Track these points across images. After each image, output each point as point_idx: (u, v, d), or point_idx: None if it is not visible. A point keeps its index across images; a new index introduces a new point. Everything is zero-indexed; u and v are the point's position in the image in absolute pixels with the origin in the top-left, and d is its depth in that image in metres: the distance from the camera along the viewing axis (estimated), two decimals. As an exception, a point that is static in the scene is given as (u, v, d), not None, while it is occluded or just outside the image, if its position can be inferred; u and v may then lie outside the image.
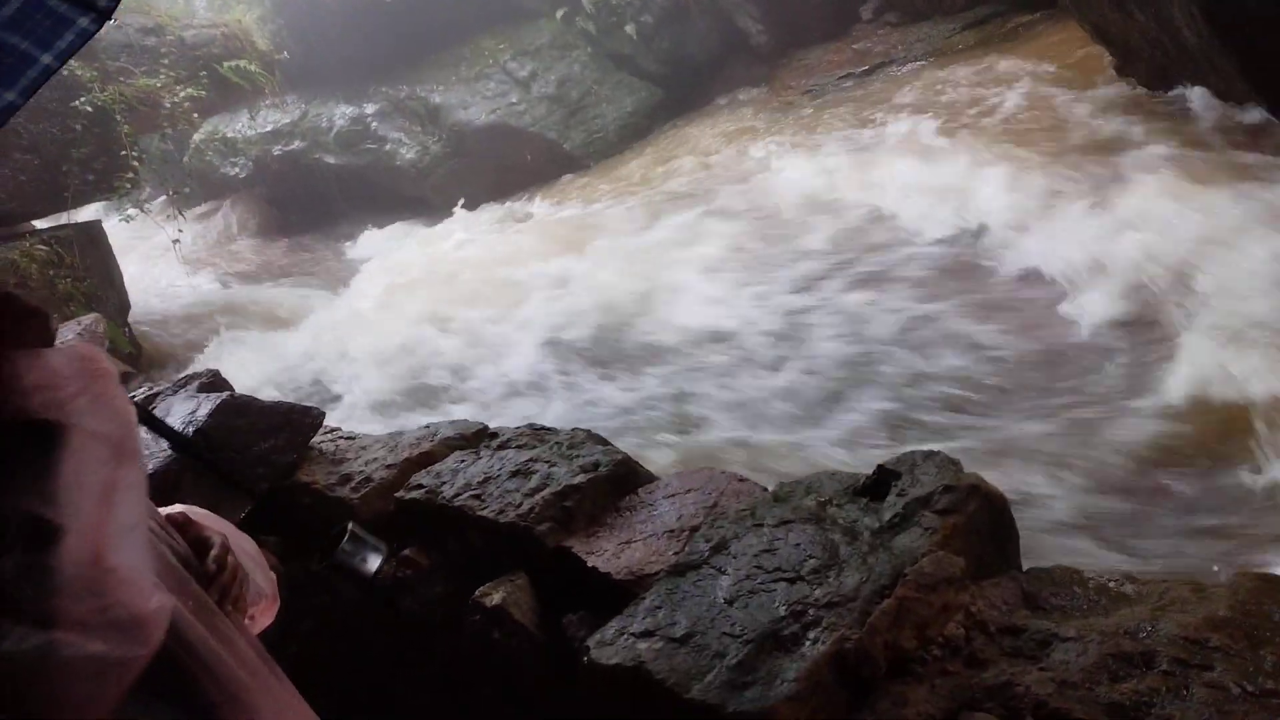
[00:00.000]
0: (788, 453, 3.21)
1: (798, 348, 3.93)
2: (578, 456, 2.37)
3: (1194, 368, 2.95)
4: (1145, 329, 3.36)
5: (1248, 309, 3.10)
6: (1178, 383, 2.95)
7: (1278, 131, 4.04)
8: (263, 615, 1.19)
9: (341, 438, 2.83)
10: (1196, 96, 4.62)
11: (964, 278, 4.10)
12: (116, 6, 1.01)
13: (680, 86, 8.45)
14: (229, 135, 9.10)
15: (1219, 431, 2.72)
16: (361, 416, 3.95)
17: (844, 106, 6.56)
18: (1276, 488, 2.45)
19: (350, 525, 1.77)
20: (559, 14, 9.16)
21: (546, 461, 2.34)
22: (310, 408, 2.58)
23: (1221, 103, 4.48)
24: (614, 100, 8.40)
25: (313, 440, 2.82)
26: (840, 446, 3.20)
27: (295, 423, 2.54)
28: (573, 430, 2.46)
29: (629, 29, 8.73)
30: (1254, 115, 4.25)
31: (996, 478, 1.84)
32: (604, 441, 2.44)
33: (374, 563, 1.63)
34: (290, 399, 3.12)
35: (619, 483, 2.27)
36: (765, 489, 2.11)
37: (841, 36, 7.97)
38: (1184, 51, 4.66)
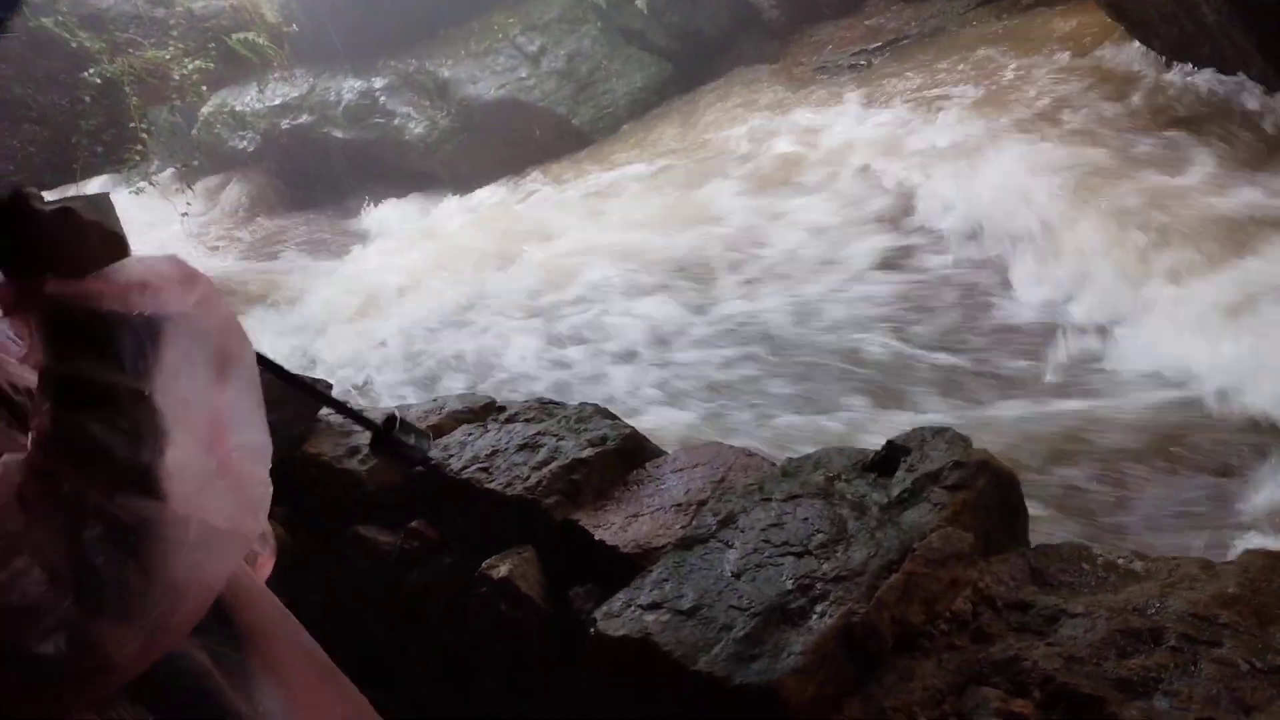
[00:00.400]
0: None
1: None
2: (585, 431, 2.37)
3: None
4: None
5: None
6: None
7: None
8: (259, 569, 1.20)
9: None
10: (1210, 74, 4.56)
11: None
12: None
13: (691, 62, 8.38)
14: (237, 108, 9.08)
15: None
16: (371, 389, 3.96)
17: (854, 83, 6.51)
18: None
19: (397, 410, 1.79)
20: (570, -13, 9.11)
21: (554, 435, 2.34)
22: (318, 379, 2.58)
23: (1236, 79, 4.42)
24: (624, 75, 8.35)
25: (320, 413, 2.83)
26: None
27: (301, 393, 2.53)
28: (580, 405, 2.46)
29: (639, 3, 8.67)
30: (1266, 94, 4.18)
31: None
32: (612, 416, 2.44)
33: (425, 445, 1.69)
34: (295, 371, 3.12)
35: (627, 457, 2.27)
36: (773, 464, 2.11)
37: (854, 12, 7.90)
38: (1202, 28, 4.60)
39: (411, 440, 1.80)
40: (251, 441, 0.91)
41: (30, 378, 0.92)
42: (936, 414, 3.15)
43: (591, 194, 6.13)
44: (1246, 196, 3.61)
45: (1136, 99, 4.65)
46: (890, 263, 4.21)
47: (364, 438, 2.65)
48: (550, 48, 8.59)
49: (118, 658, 0.78)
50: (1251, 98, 4.19)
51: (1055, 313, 3.62)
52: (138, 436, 0.80)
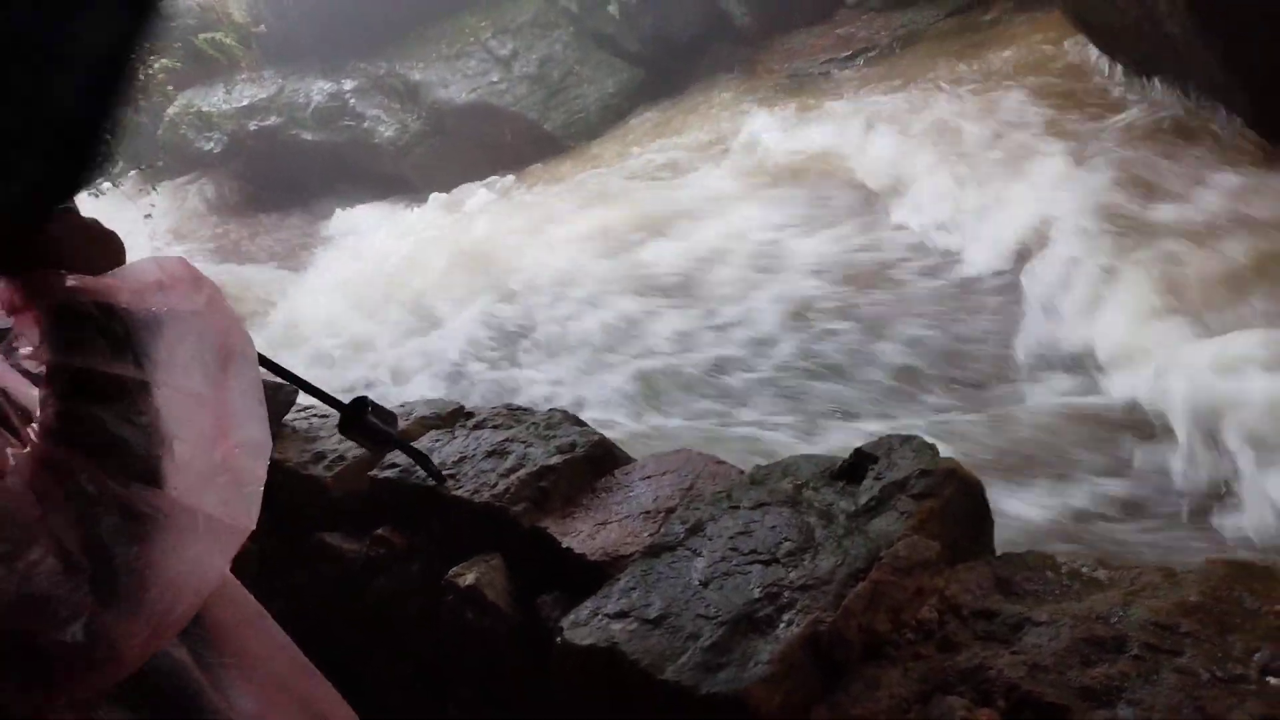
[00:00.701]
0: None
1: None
2: (554, 437, 2.35)
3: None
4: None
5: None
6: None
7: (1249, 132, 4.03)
8: None
9: (315, 415, 2.81)
10: (1172, 88, 4.63)
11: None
12: None
13: (662, 68, 8.40)
14: (204, 109, 8.97)
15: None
16: (339, 393, 3.93)
17: (824, 90, 6.56)
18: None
19: (368, 396, 1.80)
20: (544, -9, 9.10)
21: (523, 442, 2.32)
22: (281, 384, 2.55)
23: (1198, 94, 4.49)
24: (596, 81, 8.35)
25: (285, 418, 2.79)
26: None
27: (267, 400, 2.51)
28: (550, 411, 2.45)
29: (611, 8, 8.67)
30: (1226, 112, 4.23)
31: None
32: (581, 423, 2.43)
33: (393, 427, 1.72)
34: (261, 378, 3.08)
35: (595, 464, 2.26)
36: (742, 471, 2.11)
37: (825, 21, 7.95)
38: (1167, 41, 4.67)
39: (379, 422, 1.82)
40: (253, 438, 0.94)
41: (6, 379, 0.93)
42: (906, 419, 3.17)
43: (561, 200, 6.15)
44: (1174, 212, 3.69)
45: (1094, 111, 4.73)
46: (874, 272, 4.25)
47: (330, 444, 2.63)
48: (522, 52, 8.58)
49: (124, 650, 0.78)
50: (1212, 114, 4.26)
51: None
52: (149, 429, 0.82)
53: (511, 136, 7.98)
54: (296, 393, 2.64)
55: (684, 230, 4.97)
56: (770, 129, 6.01)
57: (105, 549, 0.77)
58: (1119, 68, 5.06)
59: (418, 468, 2.31)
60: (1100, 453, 2.80)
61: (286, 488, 2.56)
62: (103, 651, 0.76)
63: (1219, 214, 3.68)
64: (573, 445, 2.31)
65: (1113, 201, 3.88)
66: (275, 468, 2.57)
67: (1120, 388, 3.03)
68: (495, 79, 8.35)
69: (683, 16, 8.59)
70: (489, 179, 7.39)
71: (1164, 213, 3.79)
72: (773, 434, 3.24)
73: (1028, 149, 4.60)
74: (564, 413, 2.46)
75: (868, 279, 4.15)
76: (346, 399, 1.81)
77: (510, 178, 7.35)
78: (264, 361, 1.36)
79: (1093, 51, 5.31)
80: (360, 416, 1.68)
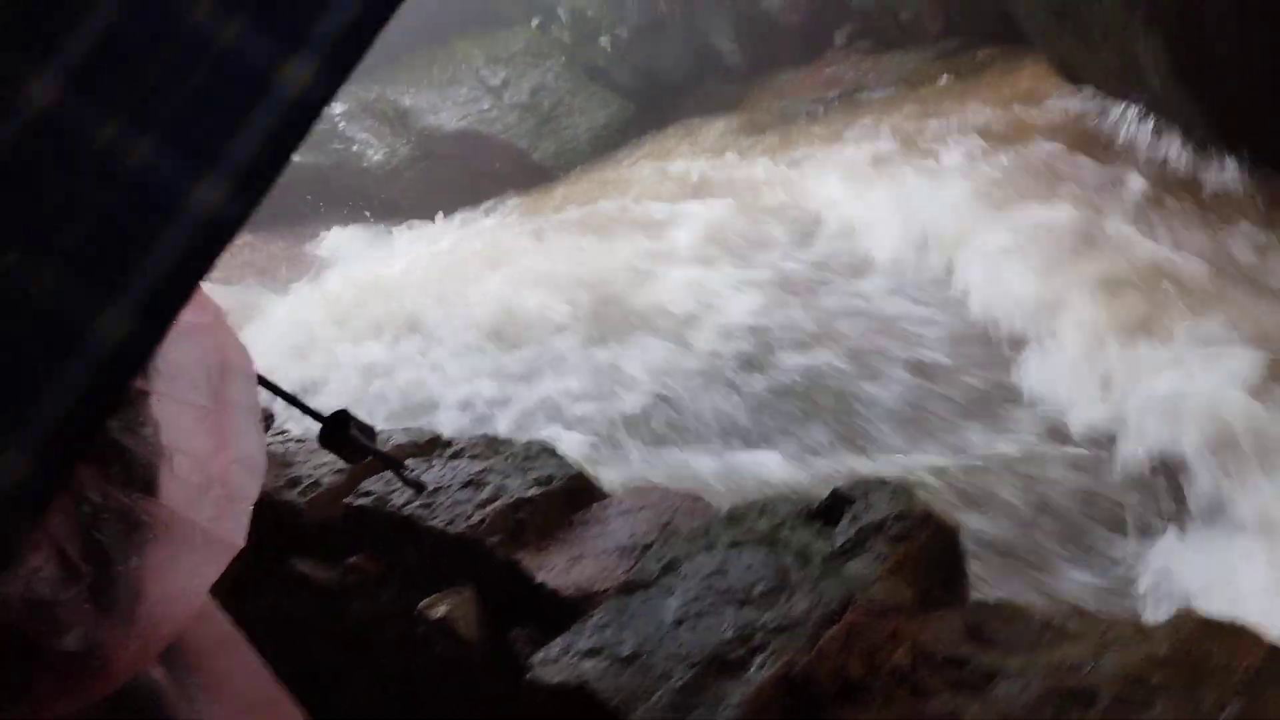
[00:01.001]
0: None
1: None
2: (532, 469, 2.35)
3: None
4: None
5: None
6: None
7: (1239, 182, 4.08)
8: None
9: (292, 440, 2.79)
10: (1152, 136, 4.71)
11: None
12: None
13: (653, 101, 8.47)
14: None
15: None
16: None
17: (812, 129, 6.64)
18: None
19: (348, 410, 1.80)
20: (534, 22, 9.16)
21: (500, 473, 2.32)
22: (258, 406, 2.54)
23: (1178, 142, 4.56)
24: (586, 111, 8.40)
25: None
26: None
27: (244, 424, 2.49)
28: (528, 442, 2.45)
29: (604, 41, 8.74)
30: (1215, 163, 4.29)
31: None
32: (559, 455, 2.43)
33: (372, 439, 1.71)
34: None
35: (572, 497, 2.25)
36: (719, 509, 2.11)
37: (815, 61, 8.04)
38: (1148, 90, 4.76)
39: (360, 435, 1.82)
40: (249, 455, 0.92)
41: None
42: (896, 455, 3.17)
43: (551, 229, 6.18)
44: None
45: (1078, 158, 4.81)
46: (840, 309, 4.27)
47: (305, 469, 2.61)
48: (514, 80, 8.63)
49: (114, 663, 0.76)
50: (1192, 164, 4.33)
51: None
52: (150, 439, 0.81)
53: (500, 164, 8.01)
54: (273, 417, 2.63)
55: (659, 262, 5.03)
56: (754, 165, 6.09)
57: (106, 557, 0.76)
58: (1108, 116, 5.15)
59: (393, 495, 2.30)
60: (1069, 493, 2.82)
61: (259, 512, 2.54)
62: (95, 663, 0.75)
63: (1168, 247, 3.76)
64: (550, 478, 2.31)
65: (1086, 243, 3.94)
66: (249, 492, 2.56)
67: (1085, 423, 3.05)
68: (486, 106, 8.39)
69: (674, 52, 8.68)
70: (478, 205, 7.41)
71: (1127, 243, 3.86)
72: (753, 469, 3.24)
73: (999, 187, 4.69)
74: (543, 445, 2.45)
75: (832, 321, 4.16)
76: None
77: (496, 205, 7.38)
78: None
79: (1081, 100, 5.41)
80: (342, 430, 1.68)
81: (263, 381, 1.45)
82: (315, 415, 1.69)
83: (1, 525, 0.58)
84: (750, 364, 3.94)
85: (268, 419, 2.65)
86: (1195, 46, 4.10)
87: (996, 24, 6.50)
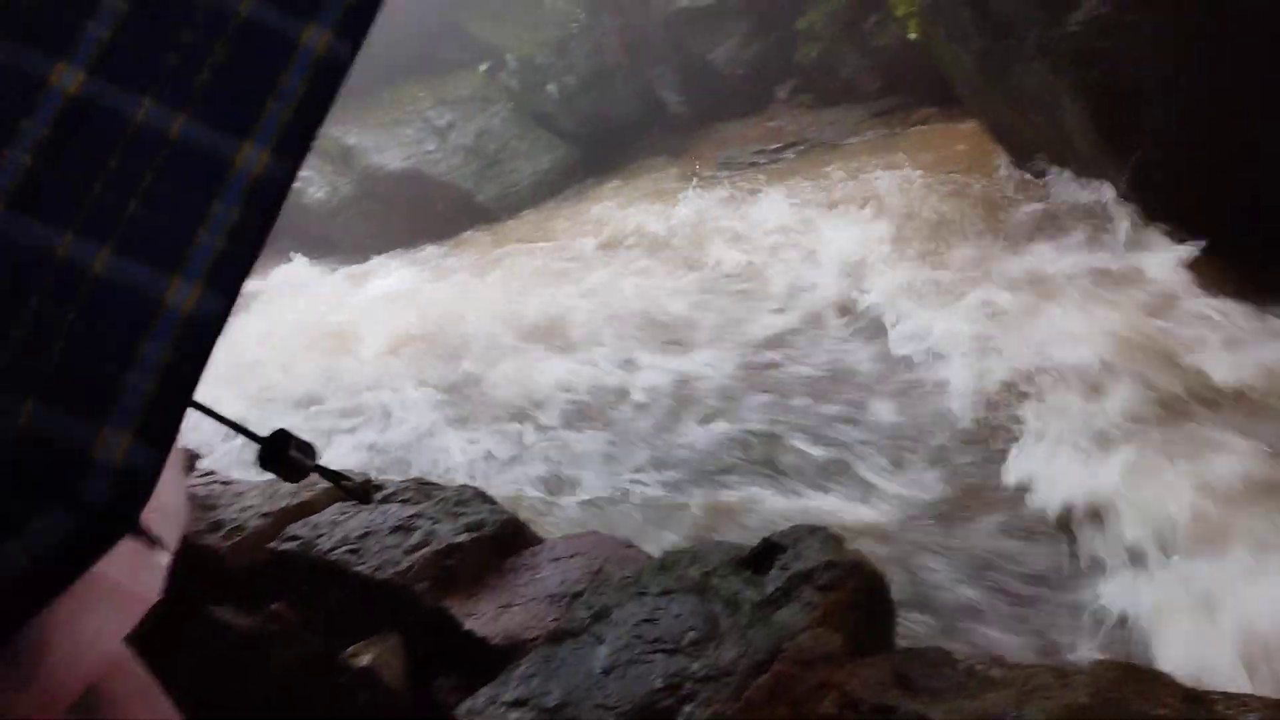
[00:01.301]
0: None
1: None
2: (463, 514, 2.32)
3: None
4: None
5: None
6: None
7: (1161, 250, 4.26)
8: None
9: (216, 482, 2.71)
10: (1080, 195, 4.88)
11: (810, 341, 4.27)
12: None
13: (598, 148, 8.56)
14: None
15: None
16: (241, 458, 3.81)
17: (752, 179, 6.78)
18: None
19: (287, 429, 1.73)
20: (483, 68, 9.23)
21: (430, 518, 2.28)
22: (180, 448, 2.47)
23: (1104, 204, 4.72)
24: (531, 156, 8.45)
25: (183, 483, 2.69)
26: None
27: (166, 464, 2.42)
28: (460, 487, 2.42)
29: (551, 88, 8.85)
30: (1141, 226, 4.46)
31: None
32: (491, 500, 2.40)
33: (311, 459, 1.65)
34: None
35: (504, 543, 2.22)
36: (651, 556, 2.10)
37: (758, 113, 8.23)
38: (1077, 156, 4.93)
39: (300, 455, 1.77)
40: (165, 503, 0.87)
41: None
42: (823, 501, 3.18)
43: (486, 270, 6.23)
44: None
45: (1000, 214, 5.01)
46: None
47: (229, 512, 2.54)
48: (460, 124, 8.65)
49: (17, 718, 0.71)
50: (1117, 225, 4.49)
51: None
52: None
53: (443, 206, 7.99)
54: (196, 457, 2.56)
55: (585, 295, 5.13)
56: (693, 214, 6.22)
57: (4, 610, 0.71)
58: (1034, 177, 5.34)
59: (320, 539, 2.24)
60: (998, 540, 2.86)
61: (180, 557, 2.46)
62: None
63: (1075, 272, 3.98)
64: (482, 523, 2.28)
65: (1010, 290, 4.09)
66: (169, 535, 2.48)
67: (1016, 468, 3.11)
68: (431, 148, 8.39)
69: (620, 101, 8.81)
70: (417, 246, 7.38)
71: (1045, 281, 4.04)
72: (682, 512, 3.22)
73: (932, 236, 4.85)
74: (475, 490, 2.42)
75: (776, 357, 4.25)
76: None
77: (437, 247, 7.36)
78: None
79: (1008, 161, 5.60)
80: (281, 449, 1.63)
81: (197, 406, 1.41)
82: (252, 436, 1.63)
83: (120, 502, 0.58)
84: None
85: (191, 460, 2.58)
86: (1117, 115, 4.28)
87: (932, 86, 6.71)
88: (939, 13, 5.49)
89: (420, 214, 7.87)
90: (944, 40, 5.63)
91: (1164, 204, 4.23)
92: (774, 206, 5.93)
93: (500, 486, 3.31)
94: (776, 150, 7.37)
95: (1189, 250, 4.02)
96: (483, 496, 2.40)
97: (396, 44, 9.05)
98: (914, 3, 5.54)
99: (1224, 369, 3.31)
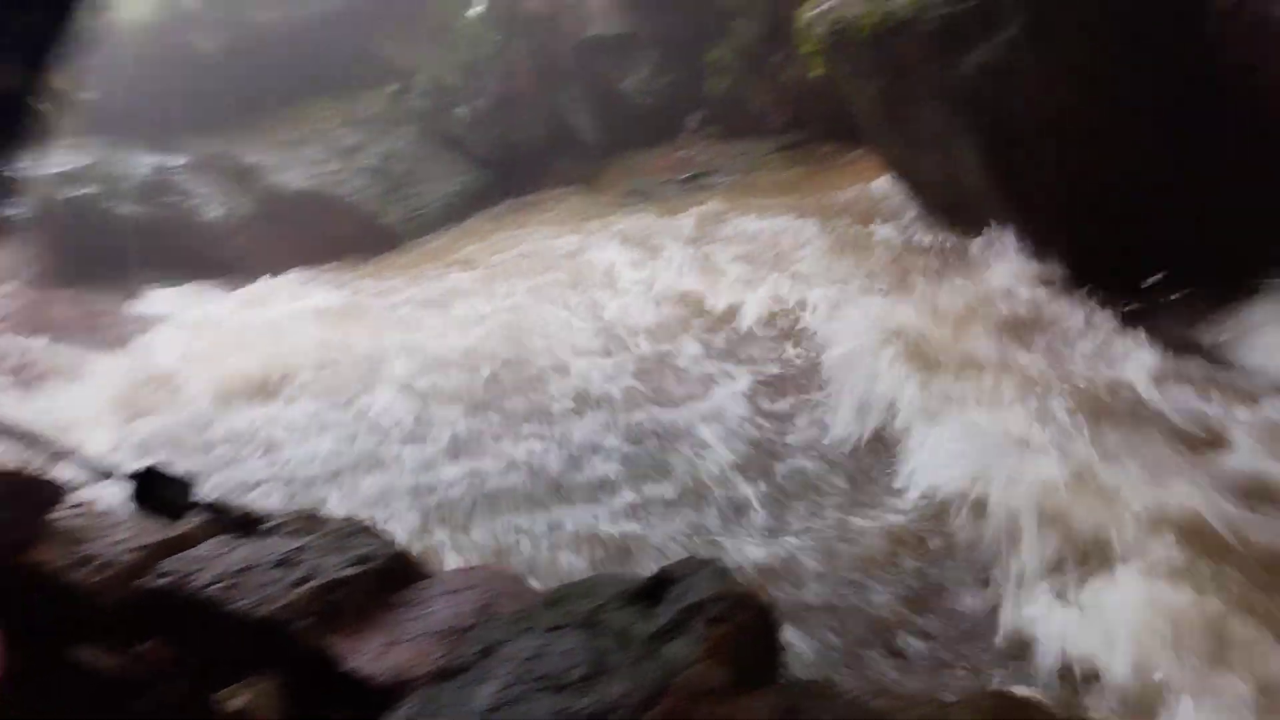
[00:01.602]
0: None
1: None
2: (350, 548, 2.24)
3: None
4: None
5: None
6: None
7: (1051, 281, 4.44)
8: None
9: (89, 514, 2.57)
10: (970, 236, 5.05)
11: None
12: None
13: (509, 172, 8.53)
14: (5, 174, 8.37)
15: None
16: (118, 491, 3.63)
17: (659, 205, 6.86)
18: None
19: (156, 466, 1.64)
20: (391, 89, 9.12)
21: (316, 551, 2.20)
22: (47, 479, 2.34)
23: (990, 241, 4.89)
24: (439, 180, 8.38)
25: (53, 515, 2.54)
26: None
27: (27, 494, 2.29)
28: (347, 518, 2.34)
29: (460, 111, 8.79)
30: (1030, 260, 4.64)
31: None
32: (379, 534, 2.33)
33: (187, 493, 1.57)
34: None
35: (392, 578, 2.15)
36: (544, 590, 2.06)
37: (667, 142, 8.34)
38: (969, 194, 5.10)
39: (172, 492, 1.69)
40: None
41: None
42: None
43: (385, 294, 6.15)
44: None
45: (892, 249, 5.17)
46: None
47: (100, 545, 2.40)
48: (366, 145, 8.53)
49: None
50: (1003, 262, 4.66)
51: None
52: None
53: (345, 227, 7.84)
54: (61, 490, 2.42)
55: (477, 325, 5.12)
56: (596, 244, 6.26)
57: None
58: (922, 207, 5.54)
59: (194, 575, 2.14)
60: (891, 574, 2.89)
61: (45, 595, 2.32)
62: None
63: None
64: (369, 557, 2.20)
65: (909, 323, 4.19)
66: (32, 571, 2.33)
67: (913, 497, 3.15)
68: (335, 168, 8.25)
69: (531, 127, 8.80)
70: (315, 266, 7.21)
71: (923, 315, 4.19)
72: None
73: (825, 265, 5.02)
74: (362, 523, 2.35)
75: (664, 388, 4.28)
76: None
77: (334, 268, 7.22)
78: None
79: (905, 194, 5.77)
80: (153, 486, 1.56)
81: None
82: (115, 475, 1.55)
83: None
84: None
85: (55, 493, 2.43)
86: (1007, 155, 4.46)
87: (837, 122, 6.88)
88: (842, 51, 5.63)
89: (322, 236, 7.70)
90: (847, 77, 5.77)
91: (1049, 238, 4.43)
92: (669, 237, 6.03)
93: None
94: (685, 180, 7.48)
95: (1065, 279, 4.20)
96: (370, 530, 2.33)
97: (301, 62, 8.90)
98: (818, 41, 5.66)
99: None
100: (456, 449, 3.90)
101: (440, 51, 9.25)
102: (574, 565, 2.90)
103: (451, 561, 2.71)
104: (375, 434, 4.14)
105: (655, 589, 1.85)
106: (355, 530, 2.28)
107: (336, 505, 3.52)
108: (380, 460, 3.90)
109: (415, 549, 2.41)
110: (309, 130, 8.66)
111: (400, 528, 3.14)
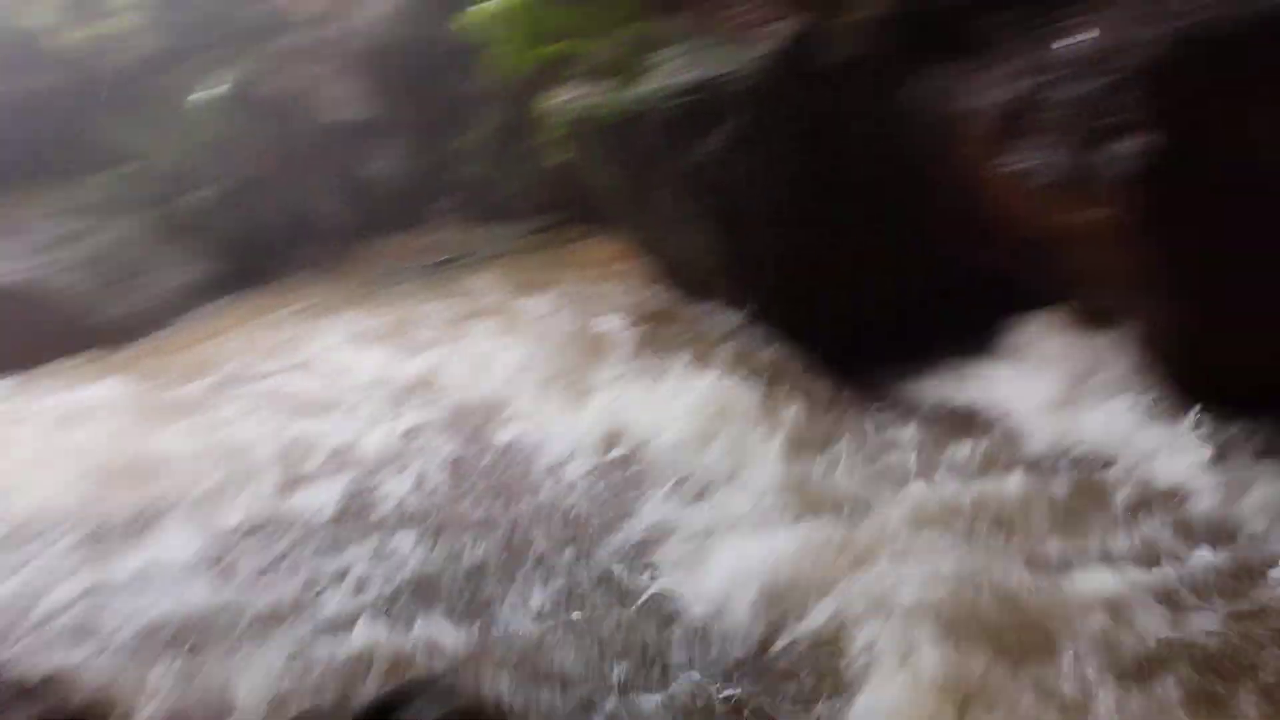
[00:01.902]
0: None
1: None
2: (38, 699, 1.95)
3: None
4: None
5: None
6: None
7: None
8: None
9: None
10: (715, 309, 5.33)
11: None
12: None
13: (249, 261, 8.08)
14: None
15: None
16: None
17: (409, 292, 6.74)
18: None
19: None
20: (121, 172, 8.43)
21: None
22: None
23: (735, 317, 5.18)
24: (166, 270, 7.78)
25: None
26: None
27: None
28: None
29: (194, 197, 8.25)
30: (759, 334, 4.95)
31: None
32: (72, 679, 2.05)
33: None
34: None
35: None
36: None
37: (418, 227, 8.27)
38: (711, 272, 5.38)
39: None
40: None
41: None
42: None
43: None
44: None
45: (646, 328, 5.42)
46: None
47: None
48: (86, 234, 7.79)
49: None
50: (746, 334, 4.95)
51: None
52: None
53: (53, 325, 7.07)
54: None
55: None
56: (333, 339, 6.21)
57: None
58: (663, 286, 5.85)
59: None
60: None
61: None
62: None
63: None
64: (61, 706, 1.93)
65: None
66: None
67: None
68: (43, 260, 7.46)
69: (268, 214, 8.38)
70: (17, 371, 6.47)
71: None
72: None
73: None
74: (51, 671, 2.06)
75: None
76: None
77: (33, 371, 6.53)
78: None
79: (647, 275, 6.02)
80: None
81: None
82: None
83: None
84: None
85: None
86: (736, 239, 4.79)
87: (587, 205, 7.08)
88: (583, 140, 5.83)
89: (24, 335, 6.89)
90: (589, 165, 5.97)
91: (775, 315, 4.77)
92: (419, 321, 6.01)
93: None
94: (437, 265, 7.43)
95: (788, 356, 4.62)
96: (58, 676, 2.05)
97: (10, 145, 8.07)
98: (557, 128, 5.84)
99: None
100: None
101: (173, 135, 8.68)
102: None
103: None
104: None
105: (378, 715, 1.73)
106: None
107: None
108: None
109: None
110: (15, 220, 7.81)
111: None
